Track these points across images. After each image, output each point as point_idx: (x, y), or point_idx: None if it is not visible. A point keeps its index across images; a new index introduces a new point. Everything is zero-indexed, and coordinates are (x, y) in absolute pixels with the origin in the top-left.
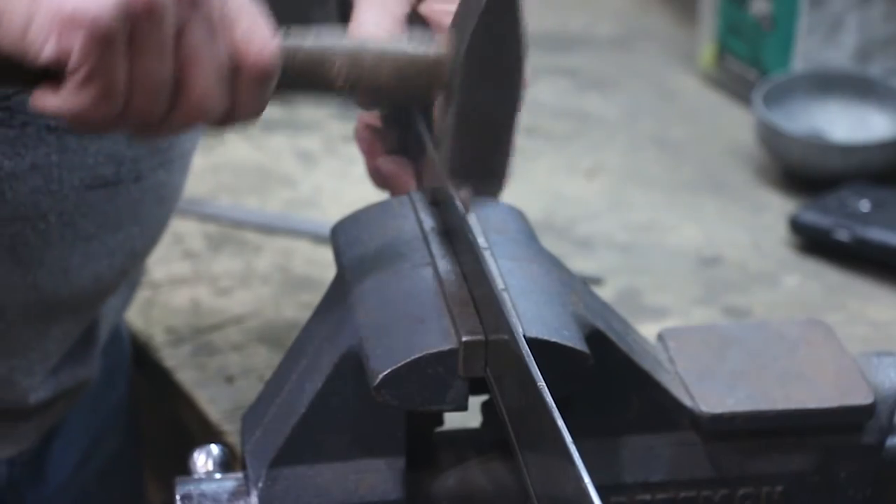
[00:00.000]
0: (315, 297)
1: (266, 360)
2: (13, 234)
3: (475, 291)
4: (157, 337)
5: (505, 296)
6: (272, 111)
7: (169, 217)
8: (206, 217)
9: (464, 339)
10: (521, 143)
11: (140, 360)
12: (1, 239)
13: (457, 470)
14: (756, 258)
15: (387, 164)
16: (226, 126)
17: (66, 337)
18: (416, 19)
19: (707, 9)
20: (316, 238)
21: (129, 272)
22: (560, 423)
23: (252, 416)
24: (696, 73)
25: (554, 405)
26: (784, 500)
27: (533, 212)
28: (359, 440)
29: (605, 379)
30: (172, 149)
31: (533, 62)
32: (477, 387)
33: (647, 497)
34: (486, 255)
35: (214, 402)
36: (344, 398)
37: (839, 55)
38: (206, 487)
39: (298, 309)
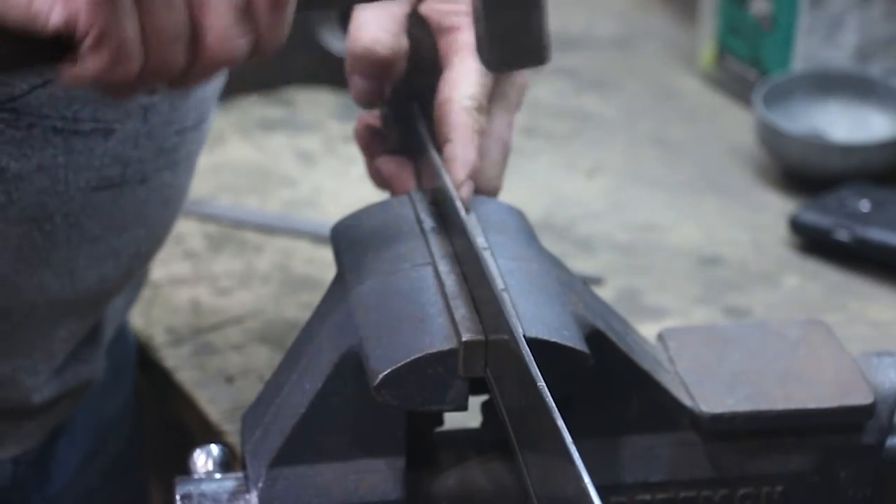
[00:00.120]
0: (315, 297)
1: (266, 360)
2: (19, 235)
3: (475, 291)
4: (157, 337)
5: (505, 296)
6: (272, 111)
7: (174, 218)
8: (206, 217)
9: (464, 339)
10: (521, 143)
11: (140, 360)
12: (7, 240)
13: (457, 470)
14: (756, 258)
15: (387, 164)
16: (253, 60)
17: (71, 337)
18: (416, 19)
19: (707, 9)
20: (316, 238)
21: (134, 273)
22: (560, 423)
23: (252, 416)
24: (696, 73)
25: (554, 405)
26: (784, 500)
27: (533, 212)
28: (359, 440)
29: (605, 379)
30: (178, 150)
31: None
32: (477, 387)
33: (647, 497)
34: (486, 255)
35: (214, 402)
36: (344, 398)
37: (839, 55)
38: (206, 487)
39: (298, 309)
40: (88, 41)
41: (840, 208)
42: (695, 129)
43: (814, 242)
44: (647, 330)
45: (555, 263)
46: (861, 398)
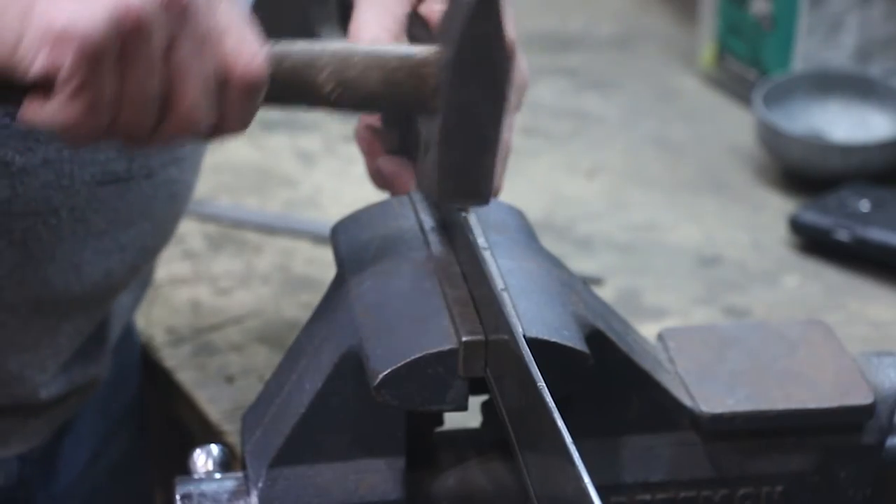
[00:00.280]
0: (315, 297)
1: (266, 360)
2: (25, 228)
3: (475, 291)
4: (157, 337)
5: (505, 296)
6: (272, 111)
7: (180, 214)
8: (206, 217)
9: (464, 339)
10: (521, 143)
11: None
12: (12, 234)
13: (457, 470)
14: (756, 258)
15: (387, 164)
16: (215, 137)
17: (77, 333)
18: (416, 19)
19: (707, 9)
20: (316, 238)
21: (140, 269)
22: (560, 423)
23: (252, 416)
24: (696, 73)
25: (554, 405)
26: (784, 500)
27: (533, 212)
28: (359, 440)
29: (605, 379)
30: (184, 146)
31: (533, 62)
32: (477, 387)
33: (647, 497)
34: (486, 255)
35: (214, 402)
36: (344, 398)
37: (839, 55)
38: (206, 487)
39: (298, 309)
40: (67, 91)
41: (840, 208)
42: (695, 129)
43: (814, 242)
44: (647, 330)
45: (555, 263)
46: (861, 398)
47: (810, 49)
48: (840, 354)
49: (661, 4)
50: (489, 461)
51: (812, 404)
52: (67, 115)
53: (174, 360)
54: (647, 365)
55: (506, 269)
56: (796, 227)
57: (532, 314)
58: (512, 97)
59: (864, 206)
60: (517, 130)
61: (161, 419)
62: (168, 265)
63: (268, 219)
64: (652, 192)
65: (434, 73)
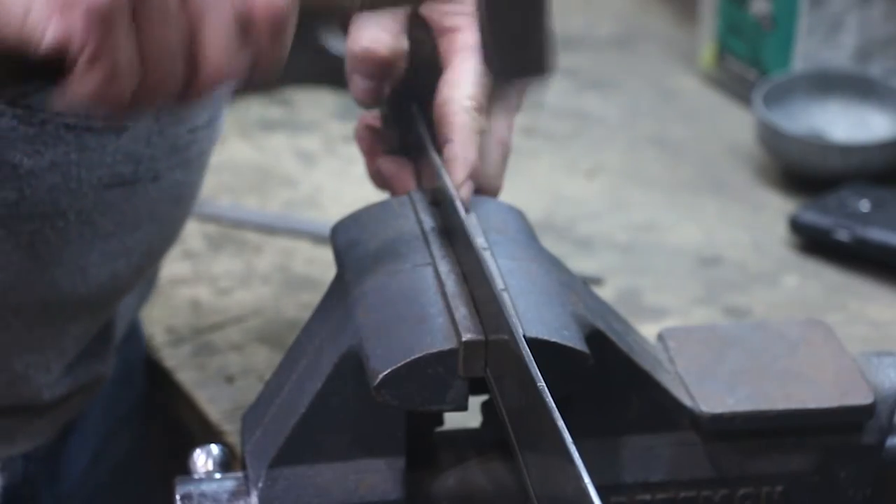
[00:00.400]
0: (315, 297)
1: (266, 360)
2: (32, 231)
3: (475, 291)
4: (157, 337)
5: (505, 296)
6: (272, 111)
7: (186, 216)
8: (206, 217)
9: (464, 339)
10: (521, 143)
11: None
12: (20, 236)
13: (457, 470)
14: (756, 258)
15: (387, 164)
16: (252, 82)
17: (82, 334)
18: (416, 20)
19: (707, 9)
20: (316, 238)
21: (145, 271)
22: (560, 423)
23: (252, 416)
24: (696, 73)
25: (554, 405)
26: (784, 500)
27: (533, 212)
28: (359, 440)
29: (605, 379)
30: (190, 148)
31: None
32: (477, 387)
33: (647, 497)
34: (486, 255)
35: (214, 402)
36: (344, 398)
37: (839, 55)
38: (206, 487)
39: (298, 309)
40: (83, 60)
41: (840, 208)
42: (695, 129)
43: (814, 242)
44: (647, 330)
45: (555, 263)
46: (861, 398)
47: (810, 49)
48: (840, 354)
49: (661, 4)
50: (489, 461)
51: (812, 404)
52: (91, 86)
53: (174, 360)
54: (647, 365)
55: (506, 269)
56: (796, 227)
57: (532, 314)
58: (513, 98)
59: (864, 206)
60: (517, 130)
61: (161, 419)
62: (168, 265)
63: (268, 219)
64: (652, 192)
65: None
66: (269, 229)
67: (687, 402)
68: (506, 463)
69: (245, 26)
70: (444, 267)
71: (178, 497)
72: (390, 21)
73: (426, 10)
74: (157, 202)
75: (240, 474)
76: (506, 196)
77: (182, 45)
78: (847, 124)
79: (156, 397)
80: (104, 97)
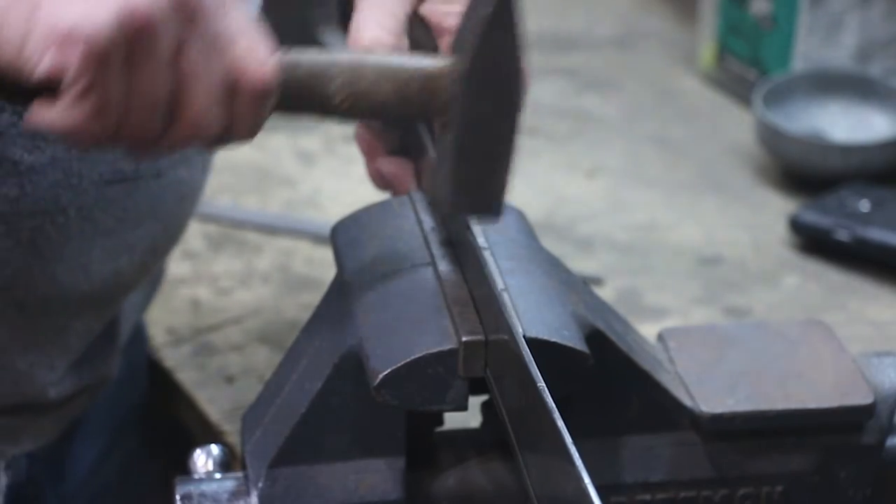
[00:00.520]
0: (315, 297)
1: (266, 360)
2: (33, 227)
3: (475, 291)
4: (157, 337)
5: (505, 296)
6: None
7: (190, 214)
8: (206, 217)
9: (464, 339)
10: (522, 142)
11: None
12: (21, 232)
13: (457, 470)
14: (756, 258)
15: (387, 165)
16: (222, 143)
17: (87, 332)
18: (417, 20)
19: (707, 9)
20: (316, 238)
21: (149, 269)
22: (560, 423)
23: (252, 416)
24: (696, 73)
25: (554, 405)
26: (784, 500)
27: (533, 212)
28: (359, 440)
29: (605, 379)
30: (190, 151)
31: (533, 62)
32: (477, 387)
33: (647, 497)
34: (486, 255)
35: (214, 402)
36: (344, 398)
37: (839, 55)
38: (206, 487)
39: (298, 309)
40: (73, 93)
41: (840, 208)
42: (695, 129)
43: (814, 242)
44: (647, 330)
45: (555, 263)
46: (861, 398)
47: (810, 49)
48: (840, 354)
49: (661, 4)
50: (489, 461)
51: (812, 404)
52: (73, 118)
53: (174, 360)
54: (647, 365)
55: (506, 269)
56: (796, 227)
57: (532, 314)
58: None
59: (864, 206)
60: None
61: (161, 419)
62: (168, 265)
63: (268, 219)
64: (652, 192)
65: (447, 86)
66: (269, 229)
67: (687, 402)
68: (506, 463)
69: (230, 92)
70: (444, 267)
71: (178, 497)
72: (391, 21)
73: (426, 11)
74: (160, 199)
75: (240, 474)
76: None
77: (167, 97)
78: (847, 124)
79: (156, 397)
80: (84, 131)
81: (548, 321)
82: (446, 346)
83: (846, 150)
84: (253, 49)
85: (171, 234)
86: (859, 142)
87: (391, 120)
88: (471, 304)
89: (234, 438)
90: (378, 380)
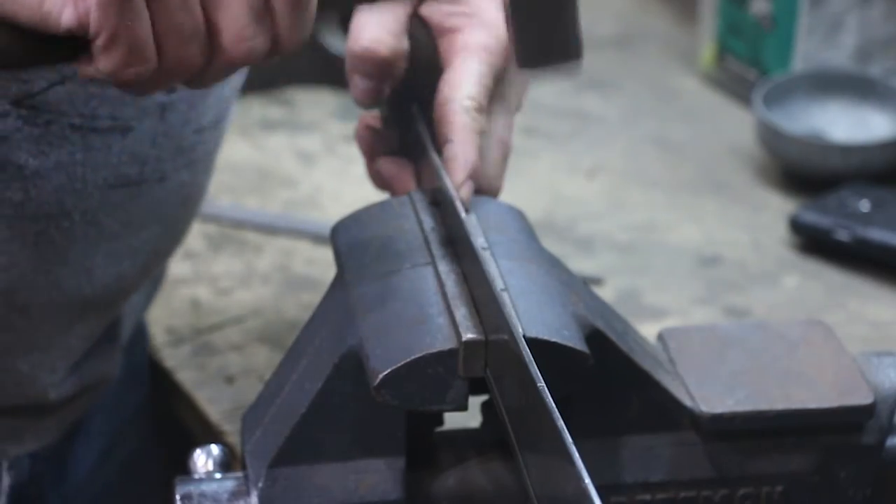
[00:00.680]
0: (315, 297)
1: (266, 360)
2: (37, 231)
3: (475, 291)
4: (158, 337)
5: (505, 296)
6: (272, 111)
7: (192, 217)
8: (206, 217)
9: (464, 339)
10: (521, 143)
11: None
12: (25, 236)
13: (457, 470)
14: (756, 258)
15: (387, 165)
16: (274, 57)
17: (88, 334)
18: (417, 20)
19: (707, 9)
20: (316, 238)
21: (151, 271)
22: (560, 423)
23: (252, 416)
24: (696, 73)
25: (554, 405)
26: (784, 500)
27: (533, 212)
28: (359, 440)
29: (605, 379)
30: (196, 149)
31: None
32: (477, 387)
33: (647, 497)
34: (486, 255)
35: (214, 402)
36: (344, 398)
37: (839, 55)
38: (206, 487)
39: (298, 309)
40: (100, 41)
41: (840, 208)
42: (695, 129)
43: (814, 242)
44: (647, 330)
45: (555, 263)
46: (861, 398)
47: (810, 49)
48: (840, 354)
49: (661, 4)
50: (489, 461)
51: (812, 404)
52: (109, 66)
53: (174, 360)
54: (647, 365)
55: (506, 269)
56: (796, 227)
57: (532, 314)
58: (513, 98)
59: (864, 206)
60: (517, 130)
61: (162, 419)
62: (169, 265)
63: (268, 219)
64: (652, 192)
65: None
66: (269, 229)
67: (687, 402)
68: (506, 463)
69: (264, 6)
70: (444, 267)
71: (178, 497)
72: (391, 21)
73: (427, 11)
74: (163, 203)
75: (240, 474)
76: (506, 196)
77: (198, 28)
78: (847, 124)
79: (156, 397)
80: (122, 76)
81: (548, 321)
82: (446, 346)
83: (846, 150)
84: None
85: (173, 238)
86: (859, 142)
87: None
88: (471, 304)
89: (234, 438)
90: (378, 380)
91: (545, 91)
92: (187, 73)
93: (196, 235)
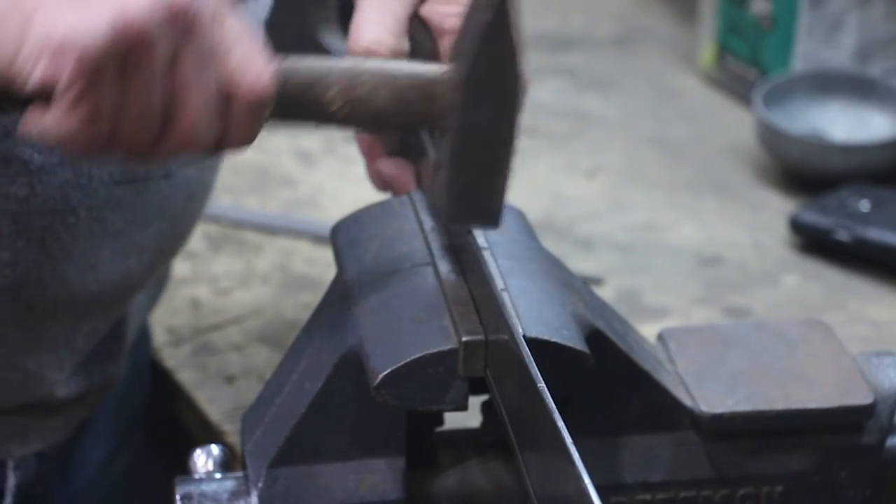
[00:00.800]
0: (315, 297)
1: (266, 360)
2: (42, 227)
3: (475, 291)
4: (158, 337)
5: (505, 296)
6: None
7: (199, 215)
8: (206, 217)
9: (464, 339)
10: (521, 143)
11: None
12: (31, 232)
13: (457, 470)
14: (756, 258)
15: (387, 166)
16: (218, 152)
17: (94, 333)
18: (417, 21)
19: (707, 9)
20: (316, 238)
21: (157, 268)
22: (560, 423)
23: (252, 416)
24: (696, 73)
25: (554, 405)
26: (784, 500)
27: (533, 212)
28: (359, 440)
29: (605, 379)
30: (184, 160)
31: (532, 62)
32: (477, 387)
33: (647, 497)
34: (486, 254)
35: (214, 402)
36: (344, 398)
37: (839, 55)
38: (206, 487)
39: (298, 309)
40: (65, 102)
41: (840, 208)
42: (695, 129)
43: (814, 242)
44: (647, 330)
45: (555, 263)
46: (861, 398)
47: (810, 49)
48: (840, 354)
49: (661, 4)
50: (489, 461)
51: (812, 404)
52: (66, 126)
53: (174, 360)
54: (647, 365)
55: (506, 269)
56: (796, 227)
57: (532, 314)
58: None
59: (864, 206)
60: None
61: (164, 419)
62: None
63: (268, 219)
64: (652, 192)
65: (445, 93)
66: (269, 229)
67: (687, 402)
68: (506, 463)
69: (225, 102)
70: (444, 267)
71: (178, 497)
72: (392, 21)
73: (427, 12)
74: (169, 200)
75: (240, 474)
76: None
77: (161, 107)
78: (847, 124)
79: (157, 398)
80: (76, 138)
81: (548, 321)
82: (446, 346)
83: (846, 150)
84: (249, 59)
85: (179, 234)
86: (859, 142)
87: (389, 129)
88: (471, 304)
89: (234, 438)
90: (378, 380)
91: (545, 91)
92: (133, 149)
93: (196, 235)
